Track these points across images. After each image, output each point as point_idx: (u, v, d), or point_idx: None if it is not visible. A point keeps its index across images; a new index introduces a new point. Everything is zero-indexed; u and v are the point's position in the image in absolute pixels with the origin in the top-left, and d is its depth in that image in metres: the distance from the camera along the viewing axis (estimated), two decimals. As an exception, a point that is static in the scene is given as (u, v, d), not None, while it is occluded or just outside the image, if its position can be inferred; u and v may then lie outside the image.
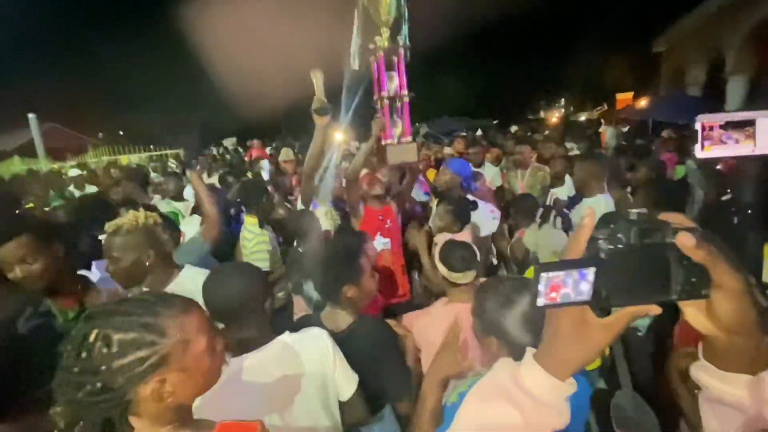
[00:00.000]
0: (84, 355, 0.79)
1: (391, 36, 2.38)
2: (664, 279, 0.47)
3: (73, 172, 8.47)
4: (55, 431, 0.80)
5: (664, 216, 0.50)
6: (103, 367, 0.78)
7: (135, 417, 0.83)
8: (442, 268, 1.80)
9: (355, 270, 1.63)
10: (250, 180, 4.58)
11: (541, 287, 0.47)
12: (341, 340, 1.43)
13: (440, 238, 1.88)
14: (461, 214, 2.73)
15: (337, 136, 6.01)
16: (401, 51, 2.38)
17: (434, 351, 1.66)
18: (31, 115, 15.85)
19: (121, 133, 24.19)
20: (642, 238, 0.47)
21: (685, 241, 0.45)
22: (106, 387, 0.78)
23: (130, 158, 14.13)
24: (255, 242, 2.82)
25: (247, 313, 1.29)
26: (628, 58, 22.83)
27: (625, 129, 7.94)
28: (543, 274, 0.46)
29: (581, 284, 0.47)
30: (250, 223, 2.94)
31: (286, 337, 1.34)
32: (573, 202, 3.19)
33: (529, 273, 2.32)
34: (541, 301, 0.47)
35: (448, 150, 7.54)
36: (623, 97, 18.01)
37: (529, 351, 0.57)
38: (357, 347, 1.47)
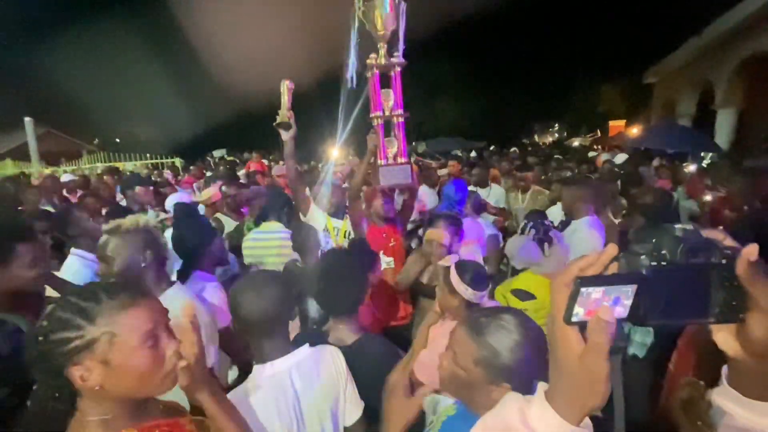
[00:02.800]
0: (44, 323, 0.86)
1: (388, 52, 2.33)
2: (704, 300, 0.45)
3: (66, 178, 8.39)
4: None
5: (707, 233, 0.47)
6: (41, 338, 0.84)
7: (81, 398, 0.88)
8: (464, 288, 1.70)
9: (367, 288, 1.66)
10: (274, 188, 4.58)
11: (579, 302, 0.44)
12: (347, 354, 1.42)
13: (446, 261, 1.84)
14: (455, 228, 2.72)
15: (333, 152, 6.06)
16: (397, 68, 2.31)
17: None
18: (27, 119, 15.76)
19: (118, 140, 24.07)
20: (688, 256, 0.44)
21: (753, 253, 0.43)
22: (45, 356, 0.84)
23: (126, 165, 14.03)
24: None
25: (278, 324, 1.27)
26: (620, 88, 23.47)
27: (617, 156, 8.09)
28: (583, 289, 0.44)
29: (620, 301, 0.44)
30: (276, 227, 2.92)
31: (306, 349, 1.32)
32: (564, 225, 3.23)
33: (517, 282, 2.34)
34: (576, 317, 0.44)
35: (443, 171, 7.60)
36: (616, 125, 18.43)
37: (541, 387, 0.53)
38: (363, 362, 1.45)
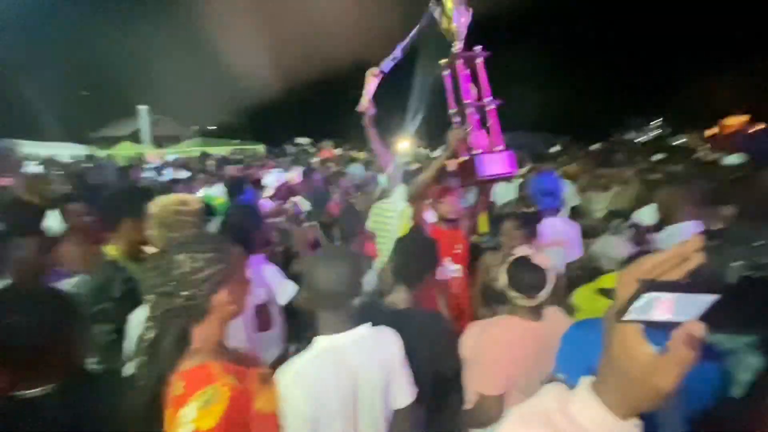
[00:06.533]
0: (176, 272, 1.05)
1: (465, 45, 2.33)
2: None
3: (170, 158, 9.86)
4: (144, 344, 1.07)
5: None
6: (195, 277, 1.05)
7: (198, 327, 1.08)
8: (502, 277, 1.68)
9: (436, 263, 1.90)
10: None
11: (640, 305, 0.40)
12: (399, 315, 1.56)
13: (520, 251, 1.77)
14: (528, 229, 2.54)
15: (402, 144, 6.06)
16: (480, 59, 2.30)
17: (485, 366, 1.62)
18: (142, 107, 18.17)
19: (213, 127, 26.63)
20: None
21: None
22: (195, 295, 1.05)
23: (217, 149, 15.51)
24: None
25: (346, 298, 1.32)
26: (743, 77, 20.16)
27: (731, 157, 6.93)
28: (648, 294, 0.39)
29: (687, 307, 0.39)
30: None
31: (367, 328, 1.35)
32: (658, 228, 2.87)
33: (604, 282, 2.17)
34: (629, 316, 0.41)
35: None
36: (734, 121, 15.94)
37: (584, 379, 0.51)
38: (412, 323, 1.57)
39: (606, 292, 2.10)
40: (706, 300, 0.38)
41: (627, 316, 0.41)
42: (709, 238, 0.42)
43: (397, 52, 2.50)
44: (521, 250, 1.75)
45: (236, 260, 1.17)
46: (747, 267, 0.38)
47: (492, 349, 1.62)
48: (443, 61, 2.36)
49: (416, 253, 1.84)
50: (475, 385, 1.63)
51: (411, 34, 2.42)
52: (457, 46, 2.31)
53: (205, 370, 1.03)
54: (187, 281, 1.05)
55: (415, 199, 2.67)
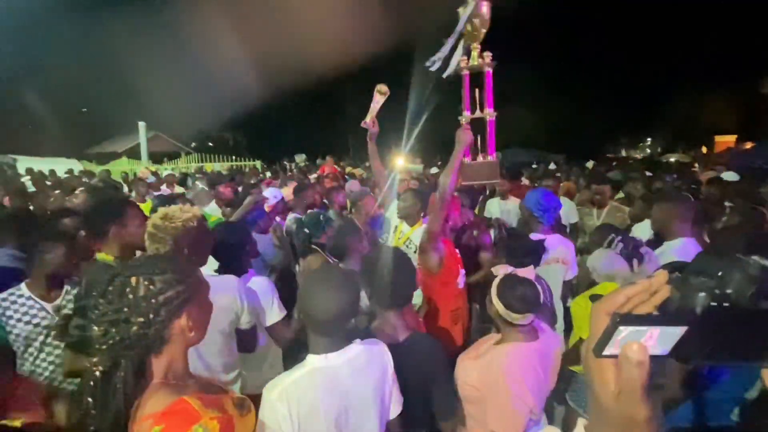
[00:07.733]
0: (131, 297, 0.93)
1: (480, 53, 2.33)
2: (762, 344, 0.40)
3: (166, 173, 9.87)
4: (90, 382, 0.91)
5: None
6: (151, 301, 0.94)
7: (156, 358, 0.97)
8: (497, 304, 1.60)
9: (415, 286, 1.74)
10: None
11: (615, 340, 0.41)
12: (399, 350, 1.42)
13: (500, 270, 1.70)
14: (517, 253, 2.33)
15: (399, 160, 6.06)
16: (489, 69, 2.33)
17: (477, 396, 1.55)
18: (141, 123, 18.26)
19: (210, 144, 26.73)
20: (759, 301, 0.37)
21: None
22: (151, 321, 0.93)
23: (213, 166, 15.52)
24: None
25: (342, 322, 1.28)
26: (731, 98, 20.64)
27: (724, 174, 7.03)
28: (621, 328, 0.40)
29: (663, 340, 0.41)
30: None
31: (358, 345, 1.33)
32: (654, 245, 2.86)
33: (598, 289, 2.17)
34: (607, 351, 0.42)
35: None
36: (723, 140, 16.27)
37: (581, 422, 0.52)
38: (413, 359, 1.47)
39: (596, 298, 2.07)
40: (676, 332, 0.39)
41: (605, 351, 0.42)
42: (674, 270, 0.44)
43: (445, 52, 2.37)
44: (502, 270, 1.68)
45: (197, 282, 1.06)
46: (712, 298, 0.38)
47: (510, 384, 1.48)
48: (470, 65, 2.34)
49: (384, 273, 1.64)
50: (494, 425, 1.49)
51: (455, 38, 2.32)
52: (477, 49, 2.31)
53: (183, 408, 0.90)
54: (141, 306, 0.93)
55: (439, 210, 2.39)
